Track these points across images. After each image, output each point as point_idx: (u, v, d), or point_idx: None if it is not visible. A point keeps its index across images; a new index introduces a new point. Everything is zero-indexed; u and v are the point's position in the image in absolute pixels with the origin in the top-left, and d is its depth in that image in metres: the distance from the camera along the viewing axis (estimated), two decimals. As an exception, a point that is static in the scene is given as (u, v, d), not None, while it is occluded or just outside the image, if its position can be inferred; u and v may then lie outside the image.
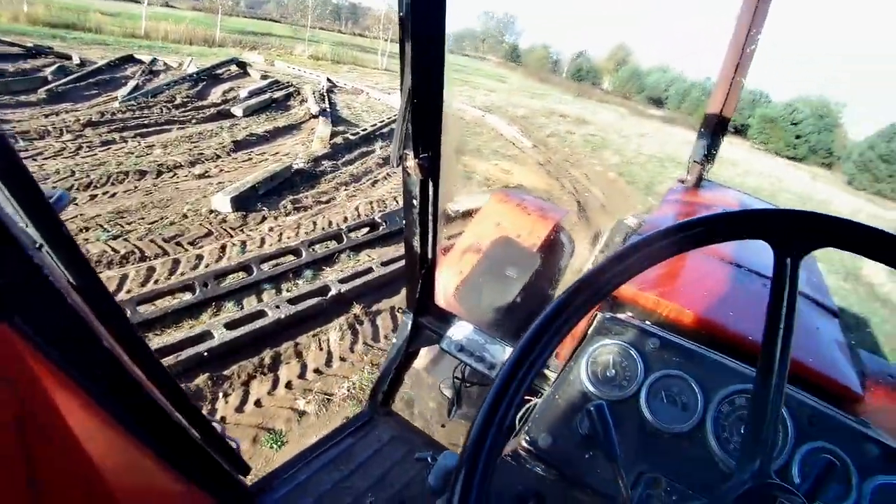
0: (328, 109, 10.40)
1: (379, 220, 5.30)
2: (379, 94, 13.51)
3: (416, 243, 1.63)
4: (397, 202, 6.29)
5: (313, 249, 4.73)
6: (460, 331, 1.77)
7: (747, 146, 41.07)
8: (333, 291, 4.01)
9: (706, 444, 1.06)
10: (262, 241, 4.88)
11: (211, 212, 5.24)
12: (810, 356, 1.43)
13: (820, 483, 0.76)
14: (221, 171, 6.51)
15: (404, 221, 1.62)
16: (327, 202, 5.99)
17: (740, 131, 47.98)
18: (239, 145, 7.50)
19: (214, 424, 1.10)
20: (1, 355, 0.54)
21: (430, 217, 1.56)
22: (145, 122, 7.90)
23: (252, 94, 10.56)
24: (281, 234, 5.07)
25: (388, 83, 18.49)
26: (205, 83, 11.59)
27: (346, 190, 6.42)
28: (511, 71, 51.10)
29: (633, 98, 55.23)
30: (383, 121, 10.18)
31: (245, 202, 5.45)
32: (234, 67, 14.25)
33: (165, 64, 13.33)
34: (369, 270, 4.40)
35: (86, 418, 0.65)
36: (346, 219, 5.58)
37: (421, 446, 1.75)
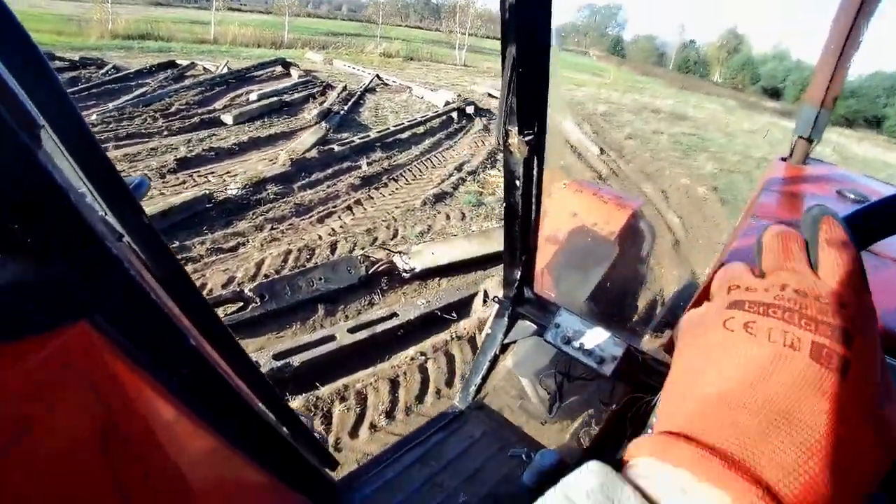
0: (340, 112, 8.54)
1: (251, 295, 3.31)
2: (424, 92, 11.38)
3: (517, 227, 1.53)
4: (332, 252, 4.25)
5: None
6: (565, 321, 1.65)
7: (880, 140, 33.71)
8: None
9: None
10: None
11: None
12: None
13: None
14: (130, 200, 4.90)
15: (504, 204, 1.51)
16: (229, 251, 4.05)
17: (873, 123, 40.57)
18: (186, 163, 5.79)
19: (302, 419, 1.00)
20: (83, 357, 0.47)
21: (534, 199, 1.47)
22: (104, 136, 6.57)
23: (263, 97, 9.04)
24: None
25: (453, 78, 16.51)
26: (225, 87, 10.26)
27: (271, 230, 4.47)
28: (613, 65, 46.49)
29: (746, 90, 49.01)
30: (401, 123, 8.10)
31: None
32: (278, 68, 13.01)
33: (205, 68, 12.33)
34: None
35: (172, 420, 0.59)
36: (229, 281, 3.69)
37: (515, 443, 1.65)
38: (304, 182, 5.48)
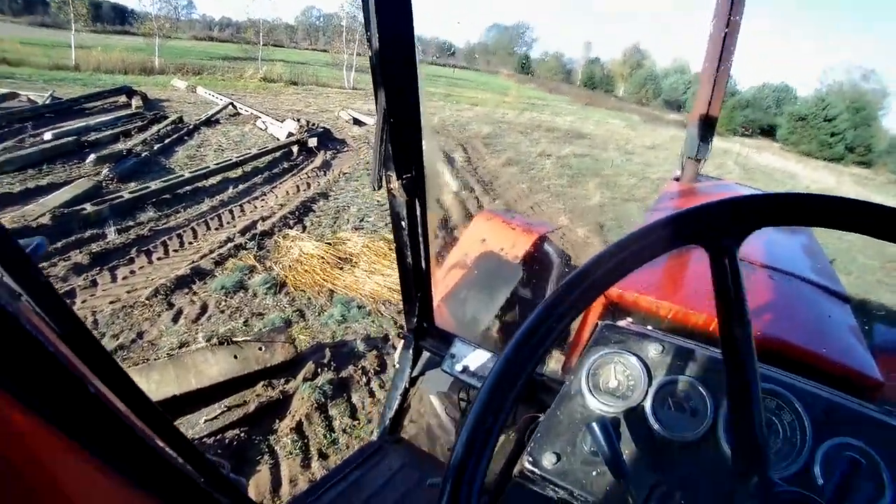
0: (142, 154, 7.02)
1: None
2: (270, 123, 9.89)
3: (409, 265, 1.54)
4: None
5: None
6: (461, 351, 1.67)
7: (776, 149, 35.90)
8: None
9: (720, 450, 0.91)
10: None
11: None
12: (822, 345, 1.31)
13: (846, 483, 0.65)
14: None
15: (395, 244, 1.53)
16: None
17: (768, 132, 43.45)
18: None
19: (209, 457, 0.96)
20: None
21: (421, 237, 1.49)
22: None
23: (59, 136, 7.45)
24: None
25: (330, 104, 15.15)
26: (36, 122, 8.51)
27: None
28: (519, 83, 46.34)
29: (649, 104, 50.71)
30: (209, 167, 6.76)
31: None
32: (123, 98, 11.32)
33: (29, 99, 10.50)
34: None
35: (81, 472, 0.54)
36: None
37: (433, 472, 1.61)
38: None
